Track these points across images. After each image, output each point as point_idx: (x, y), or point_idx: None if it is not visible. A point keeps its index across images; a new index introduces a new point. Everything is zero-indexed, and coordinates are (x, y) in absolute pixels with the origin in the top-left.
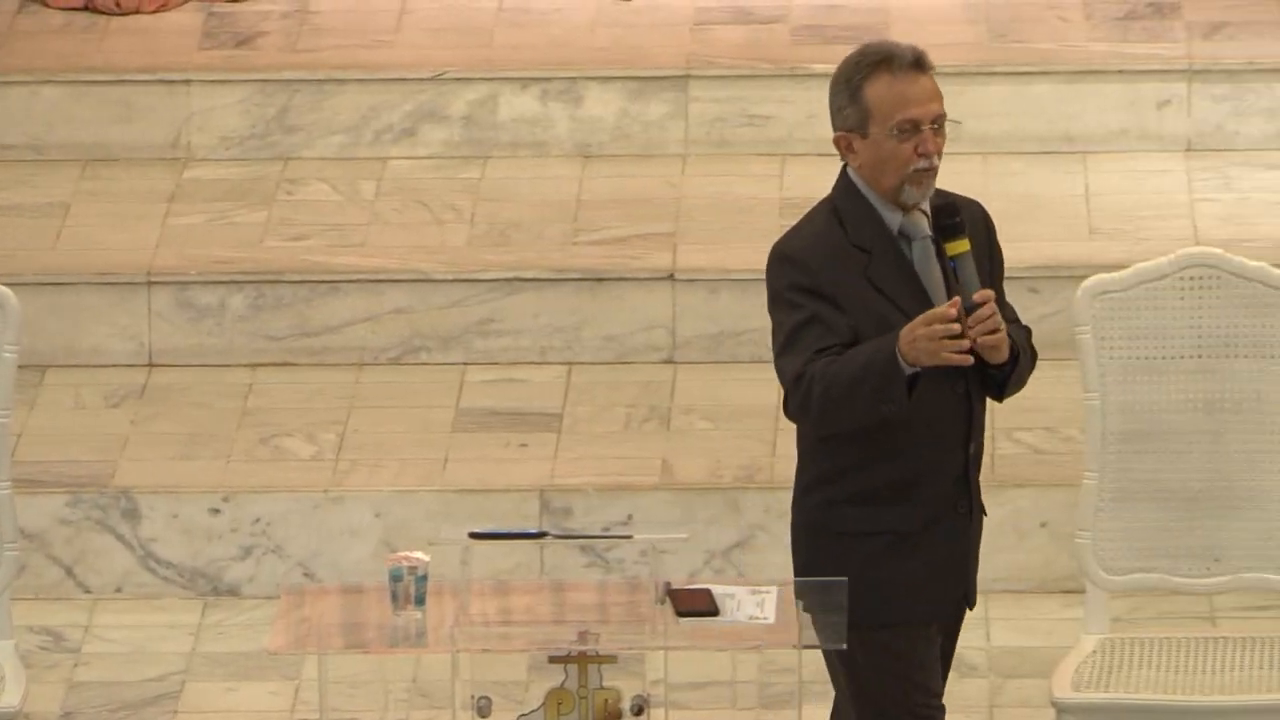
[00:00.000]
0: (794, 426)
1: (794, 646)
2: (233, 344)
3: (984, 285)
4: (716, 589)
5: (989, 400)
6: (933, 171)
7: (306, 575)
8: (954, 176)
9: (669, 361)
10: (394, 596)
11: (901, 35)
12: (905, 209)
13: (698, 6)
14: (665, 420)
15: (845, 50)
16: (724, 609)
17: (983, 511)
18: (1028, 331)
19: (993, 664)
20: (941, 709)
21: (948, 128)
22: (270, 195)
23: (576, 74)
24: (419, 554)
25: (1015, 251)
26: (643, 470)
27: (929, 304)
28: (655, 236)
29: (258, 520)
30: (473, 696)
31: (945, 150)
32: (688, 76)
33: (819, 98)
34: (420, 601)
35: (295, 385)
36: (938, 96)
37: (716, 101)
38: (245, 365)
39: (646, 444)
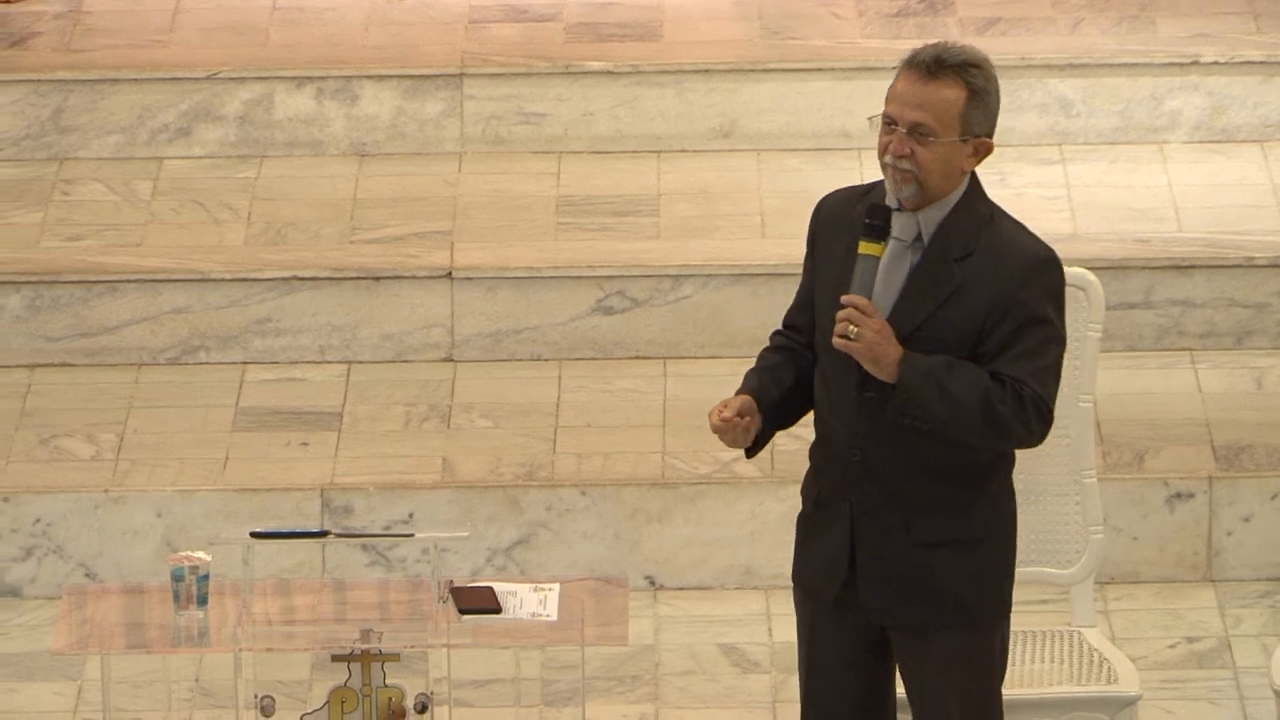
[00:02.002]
0: (575, 422)
1: (577, 644)
2: (10, 345)
3: (953, 335)
4: (499, 587)
5: None
6: (899, 172)
7: (88, 575)
8: (729, 174)
9: (448, 360)
10: (176, 596)
11: (674, 33)
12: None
13: (472, 4)
14: (445, 419)
15: (619, 48)
16: (506, 606)
17: (911, 536)
18: (1013, 393)
19: (775, 659)
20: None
21: (872, 125)
22: (46, 196)
23: (352, 73)
24: (200, 554)
25: (791, 248)
26: (423, 469)
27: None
28: (432, 235)
29: (38, 521)
30: (256, 696)
31: (722, 148)
32: (463, 75)
33: (594, 95)
34: (202, 601)
35: (74, 386)
36: (922, 106)
37: (492, 100)
38: (23, 366)
39: (426, 442)
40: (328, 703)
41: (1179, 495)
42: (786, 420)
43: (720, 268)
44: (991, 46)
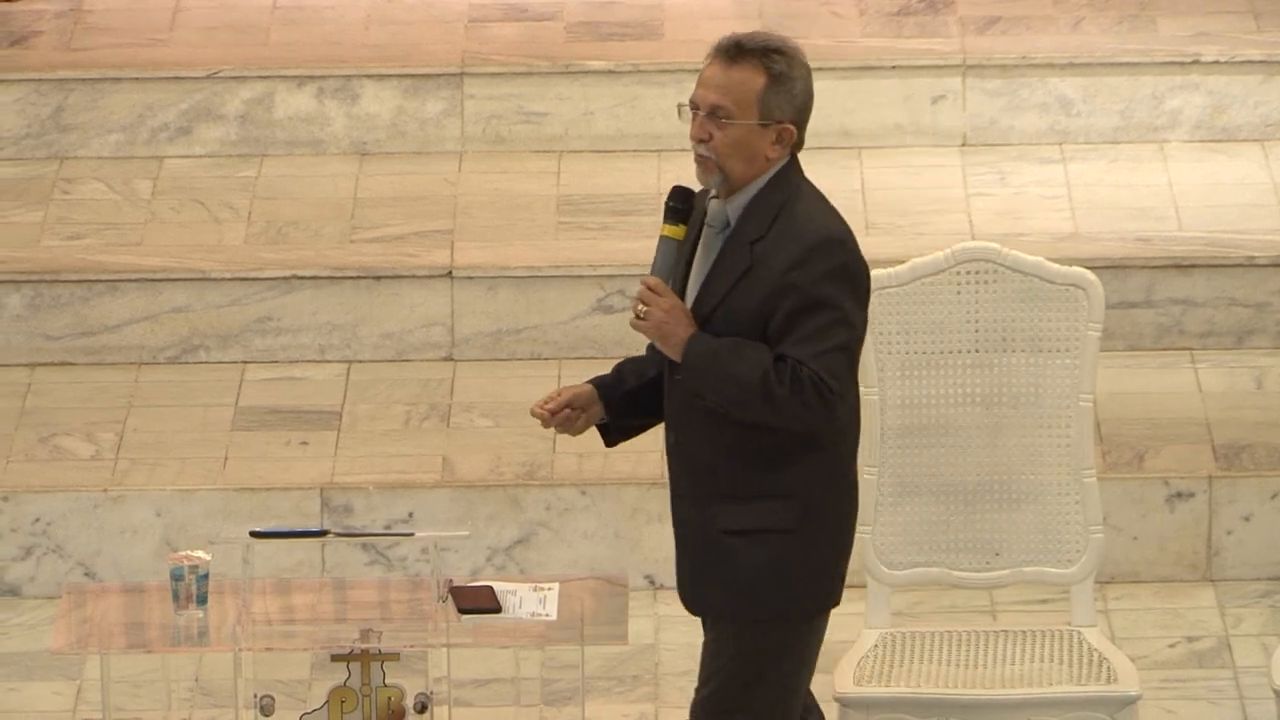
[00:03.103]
0: None
1: (577, 643)
2: (10, 343)
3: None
4: (498, 586)
5: None
6: (701, 158)
7: (87, 575)
8: None
9: (448, 359)
10: (176, 596)
11: (675, 33)
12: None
13: (472, 4)
14: (445, 418)
15: (619, 47)
16: (506, 606)
17: (715, 523)
18: (793, 374)
19: None
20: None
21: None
22: (46, 195)
23: (352, 72)
24: (200, 553)
25: None
26: (423, 468)
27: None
28: (433, 234)
29: (38, 520)
30: (256, 695)
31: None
32: (463, 74)
33: (594, 94)
34: (202, 600)
35: (74, 385)
36: (721, 89)
37: (492, 99)
38: (23, 365)
39: (427, 441)
40: (327, 702)
41: (1179, 495)
42: (650, 411)
43: None
44: (992, 45)
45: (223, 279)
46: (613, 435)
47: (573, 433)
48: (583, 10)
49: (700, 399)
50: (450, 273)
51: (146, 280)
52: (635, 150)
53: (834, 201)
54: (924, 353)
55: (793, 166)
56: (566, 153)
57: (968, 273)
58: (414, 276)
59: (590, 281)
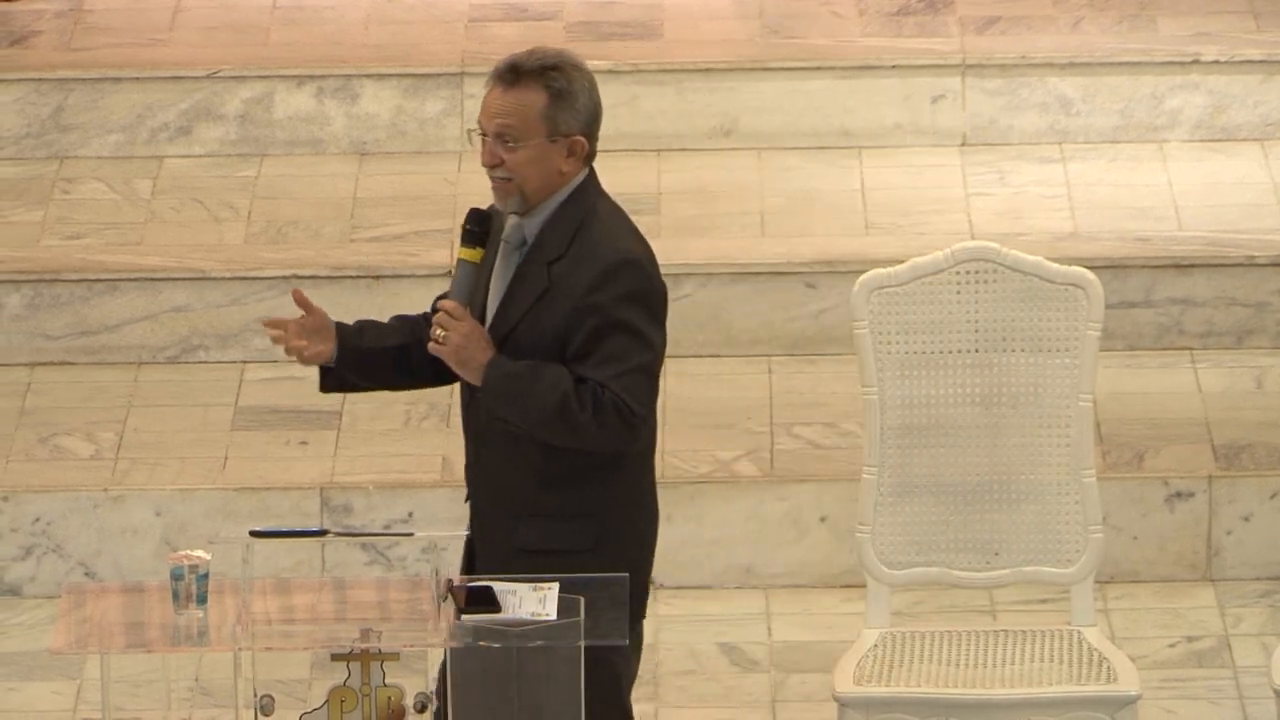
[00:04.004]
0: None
1: (575, 643)
2: (10, 343)
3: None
4: (498, 586)
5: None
6: (496, 182)
7: (88, 574)
8: (729, 173)
9: None
10: (175, 595)
11: (674, 33)
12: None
13: (472, 3)
14: (445, 417)
15: (619, 46)
16: (506, 606)
17: (513, 541)
18: (594, 397)
19: (775, 659)
20: None
21: (479, 141)
22: (46, 194)
23: (352, 71)
24: (200, 553)
25: (792, 247)
26: (423, 467)
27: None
28: (432, 233)
29: (38, 520)
30: (256, 695)
31: (722, 146)
32: (463, 74)
33: None
34: (202, 600)
35: (74, 384)
36: (504, 113)
37: None
38: (23, 365)
39: (426, 441)
40: (327, 702)
41: (1179, 494)
42: (370, 374)
43: (720, 267)
44: (992, 45)
45: (222, 278)
46: (328, 382)
47: (299, 359)
48: (582, 10)
49: (501, 422)
50: (450, 272)
51: (146, 280)
52: (635, 149)
53: (833, 201)
54: (923, 352)
55: (590, 181)
56: None
57: (967, 272)
58: (414, 276)
59: None
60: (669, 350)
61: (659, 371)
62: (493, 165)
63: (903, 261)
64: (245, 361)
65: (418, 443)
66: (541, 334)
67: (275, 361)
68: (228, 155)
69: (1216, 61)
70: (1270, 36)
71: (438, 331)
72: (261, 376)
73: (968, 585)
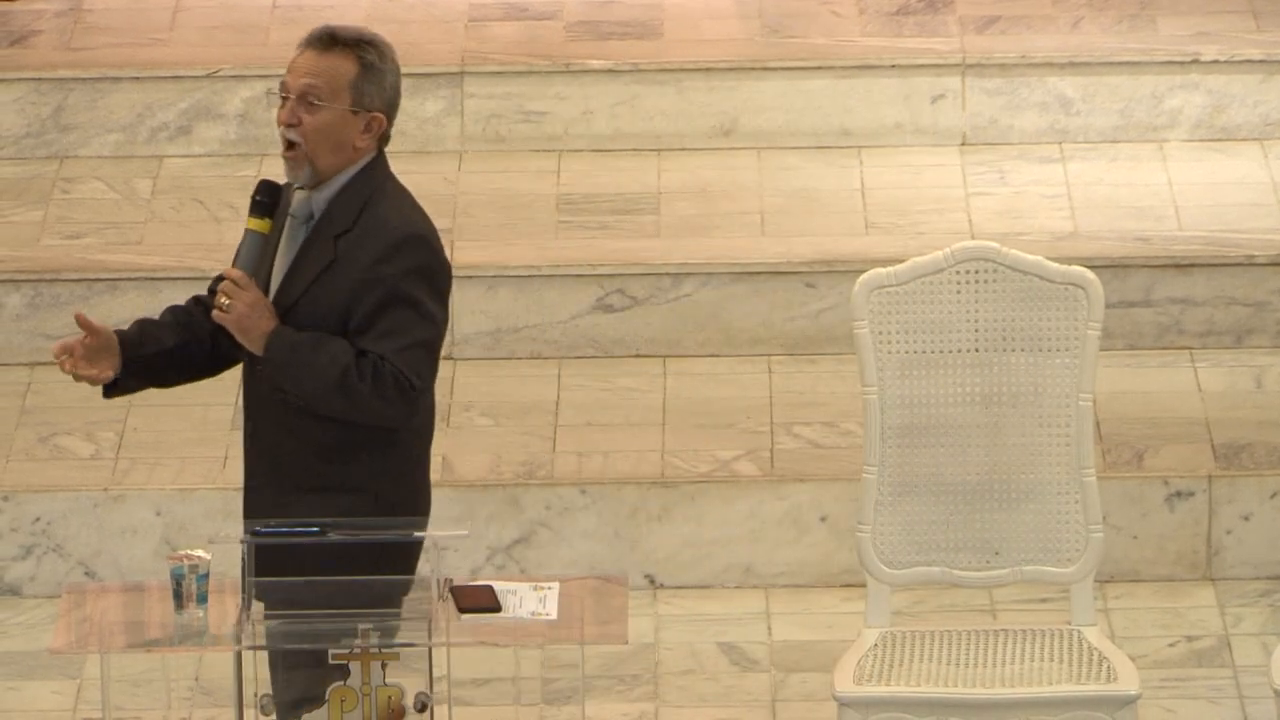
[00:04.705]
0: (574, 421)
1: (577, 642)
2: (10, 342)
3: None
4: (498, 585)
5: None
6: (290, 155)
7: (88, 574)
8: (729, 172)
9: (448, 358)
10: (176, 595)
11: (674, 32)
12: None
13: (472, 3)
14: (445, 417)
15: (619, 46)
16: (506, 605)
17: (288, 513)
18: (374, 369)
19: (774, 658)
20: None
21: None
22: (46, 194)
23: None
24: (200, 552)
25: (792, 246)
26: None
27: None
28: None
29: (38, 519)
30: (256, 694)
31: (722, 146)
32: (463, 73)
33: (594, 94)
34: (202, 600)
35: (74, 384)
36: (313, 73)
37: (492, 98)
38: (23, 364)
39: None
40: (327, 701)
41: (1179, 494)
42: (153, 378)
43: (720, 266)
44: (992, 45)
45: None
46: (112, 391)
47: (77, 378)
48: (582, 9)
49: (282, 393)
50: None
51: (146, 279)
52: (635, 149)
53: (833, 200)
54: (923, 352)
55: (380, 161)
56: (566, 152)
57: (967, 272)
58: None
59: (590, 280)
60: (669, 349)
61: (440, 347)
62: (290, 124)
63: (903, 261)
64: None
65: None
66: (325, 306)
67: None
68: (228, 155)
69: (1216, 61)
70: (1270, 36)
71: (222, 300)
72: None
73: (968, 585)
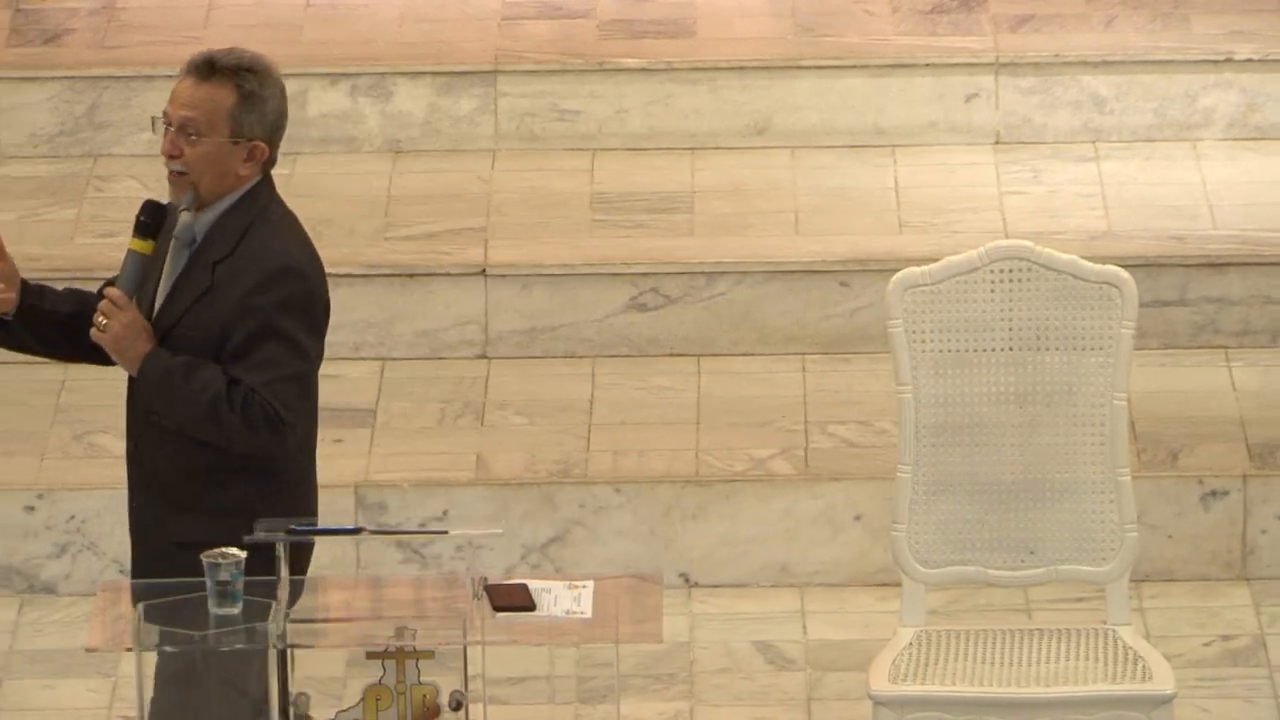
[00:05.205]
0: (609, 420)
1: (612, 641)
2: None
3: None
4: (533, 584)
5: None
6: (173, 175)
7: (123, 572)
8: (763, 171)
9: (482, 357)
10: (211, 593)
11: (707, 30)
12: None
13: (505, 1)
14: (479, 416)
15: (653, 45)
16: (541, 604)
17: (167, 534)
18: (244, 400)
19: (810, 657)
20: None
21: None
22: (80, 192)
23: (386, 69)
24: (235, 550)
25: (826, 245)
26: (458, 466)
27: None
28: (466, 232)
29: (73, 517)
30: (291, 693)
31: (756, 145)
32: (496, 71)
33: (628, 92)
34: (237, 598)
35: (108, 382)
36: (191, 105)
37: (526, 96)
38: (58, 363)
39: (461, 439)
40: (362, 700)
41: (1213, 493)
42: (43, 337)
43: (755, 265)
44: (1026, 43)
45: None
46: (1, 333)
47: None
48: (616, 8)
49: (155, 415)
50: (484, 270)
51: None
52: (669, 148)
53: (867, 199)
54: (958, 350)
55: (265, 185)
56: (600, 150)
57: (1001, 271)
58: (448, 274)
59: (624, 279)
60: (703, 348)
61: (314, 380)
62: (171, 156)
63: (937, 260)
64: None
65: (453, 441)
66: (202, 332)
67: None
68: None
69: (1250, 60)
70: None
71: (99, 319)
72: None
73: (1003, 584)
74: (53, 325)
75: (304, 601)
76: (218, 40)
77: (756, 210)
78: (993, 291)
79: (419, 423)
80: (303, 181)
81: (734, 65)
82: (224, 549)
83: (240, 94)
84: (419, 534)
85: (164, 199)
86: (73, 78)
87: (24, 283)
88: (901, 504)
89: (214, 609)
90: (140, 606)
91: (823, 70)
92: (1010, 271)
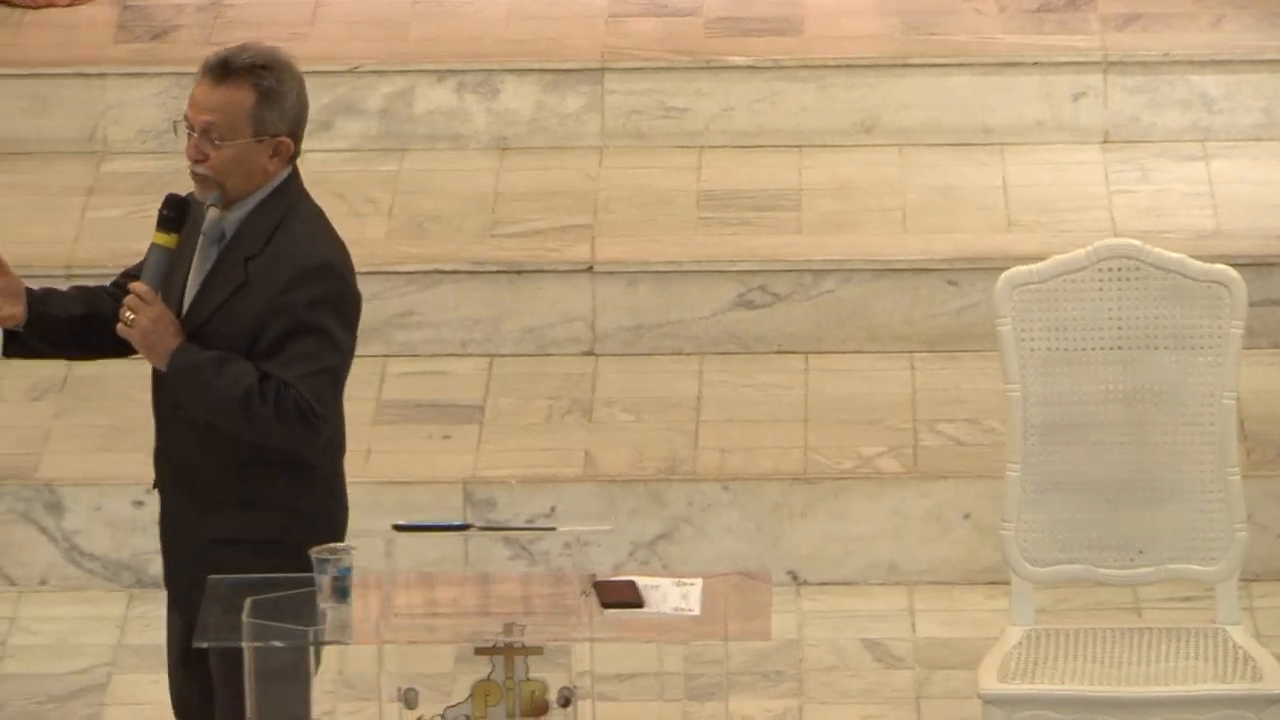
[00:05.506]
0: (717, 417)
1: (721, 638)
2: None
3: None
4: (641, 581)
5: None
6: (198, 177)
7: None
8: (870, 169)
9: (589, 354)
10: (319, 589)
11: (815, 28)
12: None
13: None
14: (587, 412)
15: (760, 42)
16: (649, 601)
17: (203, 531)
18: (276, 394)
19: (919, 655)
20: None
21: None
22: (187, 188)
23: (493, 66)
24: (343, 546)
25: (934, 243)
26: (565, 462)
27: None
28: (573, 229)
29: None
30: (399, 689)
31: (863, 143)
32: (604, 69)
33: (735, 90)
34: (345, 594)
35: None
36: (212, 109)
37: (633, 94)
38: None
39: (569, 436)
40: (471, 696)
41: None
42: (54, 341)
43: (862, 262)
44: (1133, 43)
45: (364, 273)
46: (12, 347)
47: None
48: (723, 6)
49: (184, 409)
50: (591, 268)
51: None
52: (775, 145)
53: (975, 197)
54: (1066, 349)
55: (293, 180)
56: (707, 148)
57: (1109, 270)
58: (555, 271)
59: (731, 276)
60: (810, 345)
61: (345, 375)
62: (197, 160)
63: (1045, 259)
64: (387, 355)
65: (561, 437)
66: (234, 328)
67: (417, 356)
68: (369, 150)
69: None
70: None
71: (126, 314)
72: (404, 371)
73: (1112, 583)
74: (64, 329)
75: (414, 595)
76: (324, 37)
77: (864, 208)
78: (1101, 290)
79: (526, 419)
80: (410, 178)
81: (842, 63)
82: (332, 545)
83: (259, 92)
84: (527, 530)
85: (182, 192)
86: (180, 74)
87: (28, 290)
88: (1010, 503)
89: (323, 604)
90: (248, 602)
91: (930, 68)
92: (1118, 270)
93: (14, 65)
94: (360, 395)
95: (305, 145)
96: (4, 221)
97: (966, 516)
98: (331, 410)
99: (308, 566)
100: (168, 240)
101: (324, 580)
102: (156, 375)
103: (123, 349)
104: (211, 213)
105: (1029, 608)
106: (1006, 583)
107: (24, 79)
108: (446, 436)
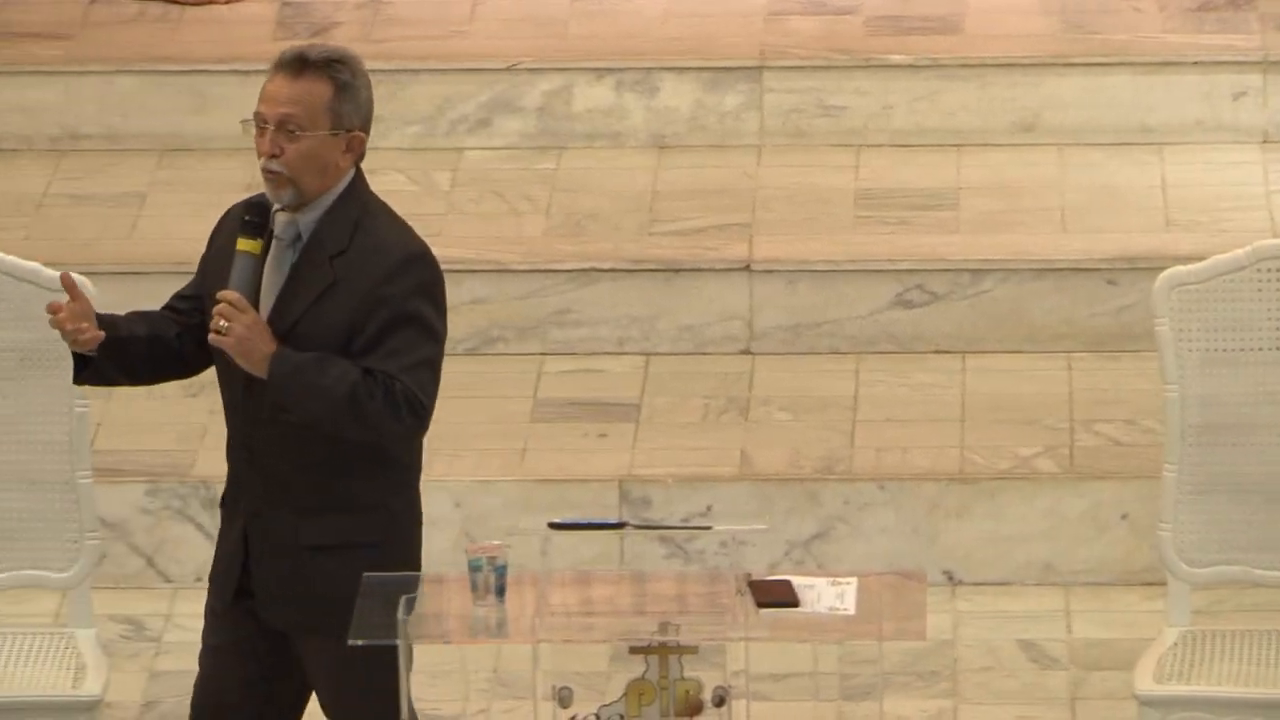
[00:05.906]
0: (873, 416)
1: (876, 638)
2: None
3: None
4: (796, 580)
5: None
6: (272, 175)
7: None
8: (1030, 168)
9: (746, 352)
10: (474, 587)
11: (976, 28)
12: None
13: None
14: (743, 411)
15: (920, 41)
16: (804, 600)
17: (299, 538)
18: (384, 387)
19: (1074, 656)
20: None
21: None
22: None
23: (651, 65)
24: (499, 544)
25: (1093, 243)
26: (722, 461)
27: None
28: (731, 227)
29: None
30: (554, 687)
31: (1023, 142)
32: (762, 67)
33: (895, 88)
34: (500, 592)
35: None
36: (290, 101)
37: (792, 92)
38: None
39: (725, 435)
40: (625, 695)
41: None
42: (126, 366)
43: (1021, 262)
44: None
45: (521, 270)
46: (86, 374)
47: (74, 343)
48: (883, 4)
49: (286, 414)
50: (749, 266)
51: (446, 271)
52: (934, 145)
53: (1134, 197)
54: (1224, 350)
55: (360, 178)
56: (865, 146)
57: (1269, 270)
58: (712, 270)
59: (889, 276)
60: (968, 345)
61: (441, 363)
62: (273, 155)
63: (1204, 259)
64: (544, 354)
65: (717, 436)
66: (325, 328)
67: (574, 354)
68: (527, 148)
69: None
70: None
71: (220, 323)
72: (560, 369)
73: (1269, 584)
74: (133, 352)
75: (569, 594)
76: (483, 35)
77: (1023, 207)
78: (1259, 291)
79: (683, 418)
80: (567, 176)
81: (1002, 62)
82: (484, 544)
83: (336, 85)
84: (683, 529)
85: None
86: None
87: (101, 314)
88: (1167, 503)
89: (478, 604)
90: (402, 600)
91: (1090, 67)
92: (1277, 271)
93: (174, 62)
94: (517, 393)
95: (464, 142)
96: (163, 218)
97: (1124, 517)
98: (433, 400)
99: (407, 566)
100: (253, 246)
101: (479, 578)
102: (232, 390)
103: (187, 370)
104: (281, 217)
105: (1185, 609)
106: (1163, 583)
107: (183, 75)
108: (603, 435)
